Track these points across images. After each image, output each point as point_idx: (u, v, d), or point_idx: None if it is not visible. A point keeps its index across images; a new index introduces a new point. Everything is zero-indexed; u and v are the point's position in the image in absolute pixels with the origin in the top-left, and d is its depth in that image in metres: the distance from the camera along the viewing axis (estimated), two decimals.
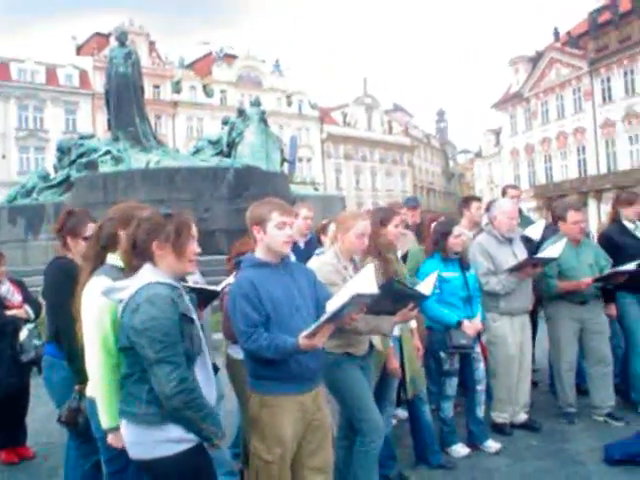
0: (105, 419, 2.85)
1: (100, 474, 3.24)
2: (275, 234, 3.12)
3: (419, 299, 3.86)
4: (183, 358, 2.54)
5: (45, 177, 17.29)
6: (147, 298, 2.50)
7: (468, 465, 4.69)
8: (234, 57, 58.82)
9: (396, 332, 4.39)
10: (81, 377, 3.18)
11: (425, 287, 3.88)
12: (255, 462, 3.14)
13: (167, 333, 2.48)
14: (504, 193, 7.40)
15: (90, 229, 3.61)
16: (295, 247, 4.96)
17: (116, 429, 2.78)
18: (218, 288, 4.00)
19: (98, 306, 2.84)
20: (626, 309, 5.77)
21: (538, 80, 49.14)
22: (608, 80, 43.04)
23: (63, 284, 3.41)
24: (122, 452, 2.75)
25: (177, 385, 2.45)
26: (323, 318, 2.86)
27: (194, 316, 2.69)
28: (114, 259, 3.02)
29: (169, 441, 2.54)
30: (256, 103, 19.94)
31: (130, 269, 2.68)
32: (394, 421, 5.03)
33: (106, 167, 15.78)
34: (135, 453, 2.62)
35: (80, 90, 47.85)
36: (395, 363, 4.30)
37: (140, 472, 2.74)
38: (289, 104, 60.31)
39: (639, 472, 4.36)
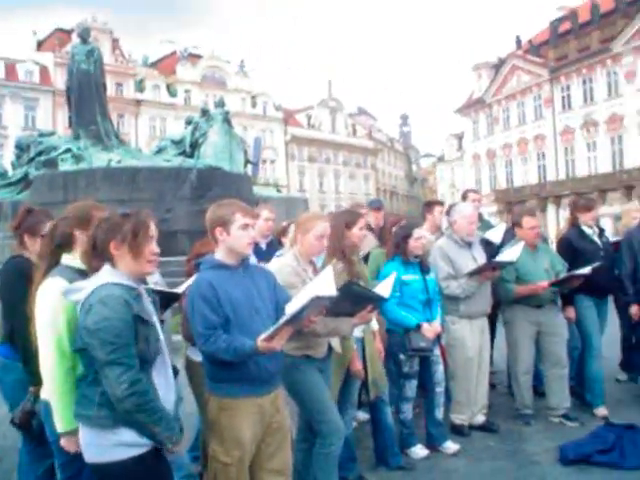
0: (59, 422, 2.80)
1: (54, 478, 3.18)
2: (239, 235, 3.11)
3: (378, 301, 3.88)
4: (135, 360, 2.49)
5: (3, 174, 16.89)
6: (100, 299, 2.46)
7: (427, 466, 4.74)
8: (199, 57, 58.44)
9: (358, 334, 4.41)
10: (36, 379, 3.10)
11: (383, 289, 3.90)
12: (213, 465, 3.11)
13: (119, 334, 2.44)
14: (465, 197, 7.46)
15: (47, 228, 3.54)
16: (256, 248, 4.95)
17: (70, 433, 2.73)
18: (179, 290, 3.95)
19: (52, 307, 2.79)
20: (583, 312, 5.91)
21: (500, 86, 49.91)
22: (567, 88, 43.94)
23: (18, 283, 3.34)
24: (77, 457, 2.70)
25: (128, 387, 2.41)
26: (282, 321, 2.85)
27: (152, 318, 2.66)
28: (69, 259, 2.97)
29: (122, 445, 2.49)
30: (220, 104, 19.85)
31: (91, 270, 2.64)
32: (355, 423, 5.05)
33: (66, 165, 15.47)
34: (90, 456, 2.57)
35: (40, 86, 46.93)
36: (359, 365, 4.32)
37: (94, 477, 2.68)
38: (253, 105, 60.16)
39: (592, 471, 4.46)
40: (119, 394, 2.41)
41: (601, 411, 5.67)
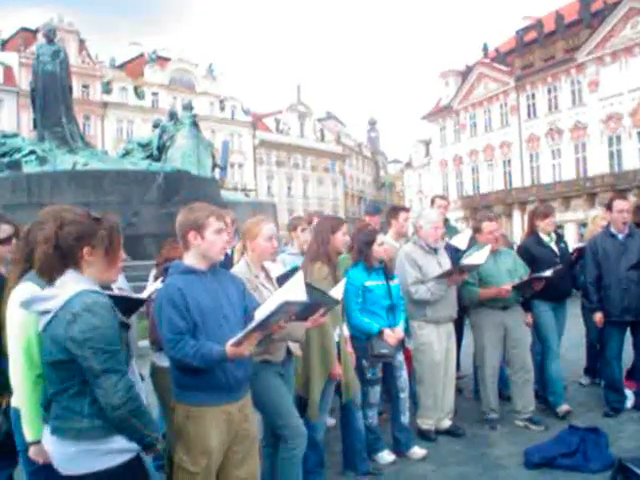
0: (28, 431, 2.74)
1: None
2: (213, 240, 3.08)
3: (330, 304, 3.87)
4: (126, 366, 2.47)
5: None
6: (85, 307, 2.36)
7: (394, 471, 4.75)
8: (167, 60, 58.01)
9: (335, 338, 4.41)
10: (3, 387, 3.02)
11: (336, 292, 3.91)
12: (179, 474, 3.07)
13: (110, 342, 2.38)
14: (432, 203, 7.53)
15: (4, 231, 3.46)
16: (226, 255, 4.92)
17: (39, 442, 2.65)
18: (143, 295, 3.89)
19: (22, 313, 2.71)
20: (541, 316, 6.01)
21: (467, 94, 50.50)
22: (533, 96, 44.65)
23: None
24: (46, 465, 2.62)
25: (124, 394, 2.36)
26: (250, 326, 2.83)
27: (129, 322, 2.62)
28: None
29: (112, 452, 2.44)
30: (188, 107, 19.73)
31: (48, 273, 2.50)
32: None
33: (30, 167, 15.20)
34: (71, 469, 2.46)
35: (4, 87, 46.04)
36: (339, 368, 4.33)
37: None
38: (222, 109, 59.92)
39: (556, 474, 4.52)
40: (116, 402, 2.35)
41: (564, 408, 5.79)
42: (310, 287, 3.70)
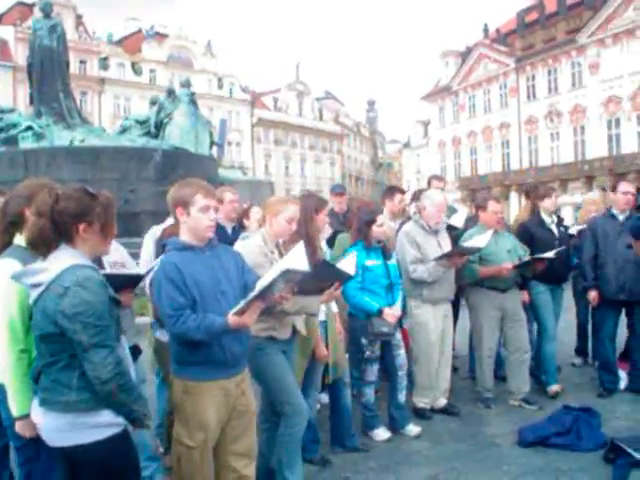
0: (14, 406, 2.75)
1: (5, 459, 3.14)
2: (199, 217, 3.05)
3: (344, 279, 3.90)
4: (116, 342, 2.48)
5: None
6: (77, 281, 2.38)
7: (389, 448, 4.80)
8: (165, 36, 57.49)
9: (322, 317, 4.42)
10: None
11: (348, 267, 3.93)
12: (177, 448, 3.11)
13: (101, 317, 2.40)
14: (429, 184, 7.52)
15: None
16: (222, 232, 4.91)
17: (26, 416, 2.67)
18: (141, 271, 3.87)
19: (4, 288, 2.73)
20: (538, 297, 6.07)
21: (467, 74, 50.24)
22: (533, 78, 44.43)
23: None
24: (34, 439, 2.65)
25: (113, 369, 2.38)
26: (252, 294, 2.83)
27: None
28: (22, 239, 2.86)
29: (99, 426, 2.46)
30: (186, 84, 19.54)
31: (42, 247, 2.49)
32: (318, 405, 5.08)
33: (27, 143, 15.11)
34: (59, 440, 2.50)
35: (0, 61, 45.65)
36: (324, 350, 4.34)
37: (54, 461, 2.65)
38: (220, 87, 59.52)
39: (549, 453, 4.57)
40: (104, 376, 2.37)
41: (554, 388, 5.87)
42: (325, 262, 3.75)
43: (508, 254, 5.69)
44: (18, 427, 2.75)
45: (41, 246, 2.50)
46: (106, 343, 2.40)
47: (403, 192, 6.69)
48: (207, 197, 3.08)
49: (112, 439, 2.49)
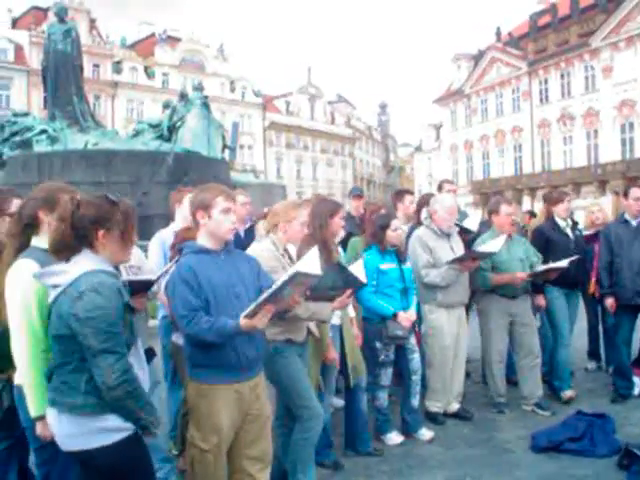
0: (33, 407, 2.75)
1: (12, 458, 3.15)
2: (221, 220, 3.10)
3: (357, 286, 3.91)
4: (125, 348, 2.49)
5: None
6: (92, 286, 2.41)
7: (402, 452, 4.79)
8: (178, 40, 57.70)
9: (337, 321, 4.43)
10: (4, 362, 3.02)
11: (361, 275, 3.92)
12: (191, 450, 3.13)
13: (112, 323, 2.42)
14: (440, 188, 7.49)
15: (15, 205, 3.48)
16: (235, 235, 4.92)
17: (44, 417, 2.67)
18: (153, 276, 3.88)
19: (23, 290, 2.75)
20: (553, 302, 6.05)
21: (479, 78, 50.08)
22: (545, 81, 44.23)
23: None
24: (52, 442, 2.66)
25: (120, 376, 2.40)
26: (263, 296, 2.85)
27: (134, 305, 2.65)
28: (39, 241, 2.92)
29: (106, 430, 2.48)
30: (199, 88, 19.63)
31: (61, 253, 2.55)
32: (331, 409, 5.08)
33: (41, 147, 15.25)
34: (69, 445, 2.53)
35: (15, 65, 45.90)
36: (334, 353, 4.34)
37: (70, 462, 2.66)
38: (232, 90, 59.67)
39: (562, 459, 4.55)
40: (111, 382, 2.38)
41: (568, 394, 5.84)
42: (339, 267, 3.76)
43: (520, 263, 5.66)
44: (39, 428, 2.76)
45: (63, 251, 2.55)
46: (115, 349, 2.42)
47: (412, 194, 6.70)
48: (228, 200, 3.15)
49: (121, 443, 2.50)
